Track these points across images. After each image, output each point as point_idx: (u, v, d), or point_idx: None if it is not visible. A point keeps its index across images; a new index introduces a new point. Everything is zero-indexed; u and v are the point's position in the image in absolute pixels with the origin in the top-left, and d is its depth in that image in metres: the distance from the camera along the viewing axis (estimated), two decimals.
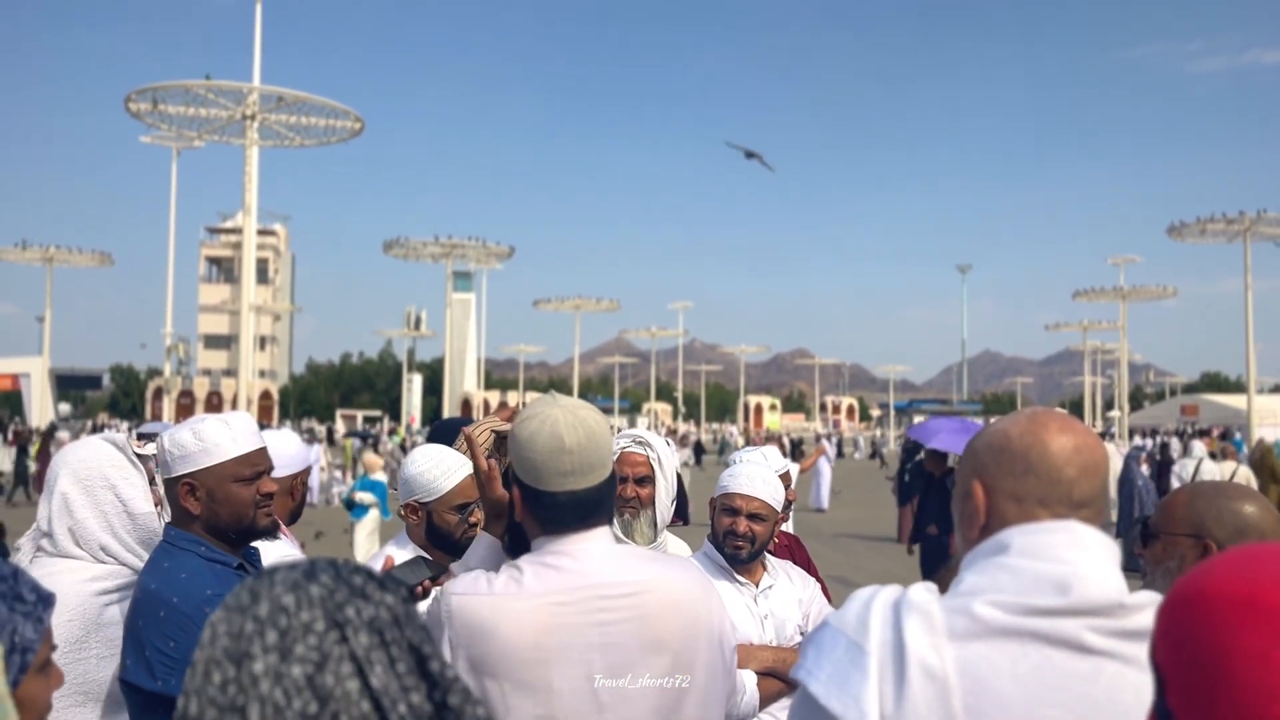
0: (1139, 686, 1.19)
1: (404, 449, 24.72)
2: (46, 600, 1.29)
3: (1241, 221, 38.79)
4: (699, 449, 44.60)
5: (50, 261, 40.42)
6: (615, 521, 2.81)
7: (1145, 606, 1.23)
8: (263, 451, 2.29)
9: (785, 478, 3.51)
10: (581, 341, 60.12)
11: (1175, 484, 13.23)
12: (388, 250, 47.61)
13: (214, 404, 70.30)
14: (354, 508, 12.78)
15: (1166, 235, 41.64)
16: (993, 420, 1.46)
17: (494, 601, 1.64)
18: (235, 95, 27.68)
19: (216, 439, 2.20)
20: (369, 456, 14.24)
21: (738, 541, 2.78)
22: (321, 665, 0.94)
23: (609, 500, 1.76)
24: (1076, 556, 1.26)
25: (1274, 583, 0.83)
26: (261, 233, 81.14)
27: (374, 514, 12.88)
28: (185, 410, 62.81)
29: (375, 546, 12.08)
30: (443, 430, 3.19)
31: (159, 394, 58.52)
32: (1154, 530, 1.91)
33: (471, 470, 2.64)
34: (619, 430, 2.89)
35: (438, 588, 2.48)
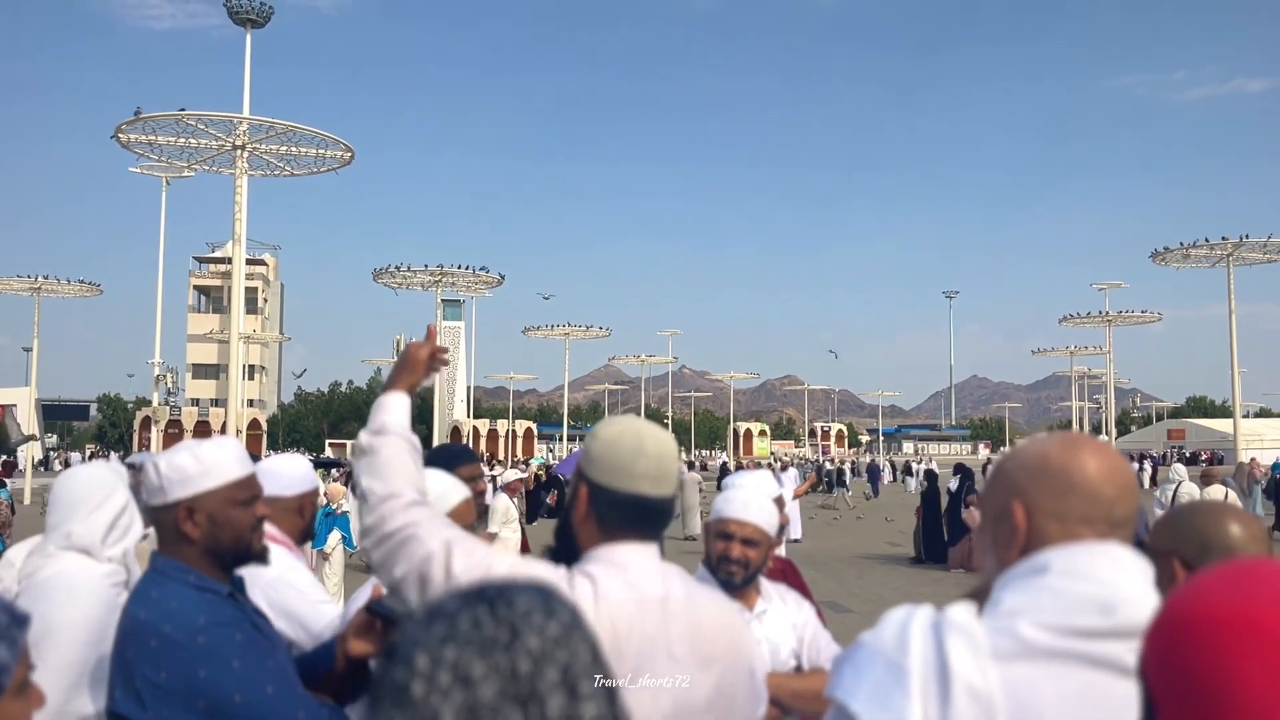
0: None
1: None
2: (20, 621, 1.27)
3: (1224, 246, 39.14)
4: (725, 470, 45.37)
5: (38, 292, 40.27)
6: None
7: None
8: (255, 477, 2.29)
9: (778, 502, 3.51)
10: (571, 369, 60.11)
11: (1156, 509, 13.26)
12: (377, 278, 47.64)
13: (202, 433, 69.97)
14: (314, 537, 12.70)
15: (1151, 260, 41.98)
16: (1019, 443, 1.46)
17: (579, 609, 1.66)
18: (225, 125, 27.77)
19: (216, 461, 2.20)
20: (332, 486, 14.07)
21: (731, 566, 2.78)
22: (596, 696, 0.86)
23: (668, 518, 1.81)
24: (1118, 577, 1.25)
25: (1272, 603, 0.80)
26: (251, 262, 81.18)
27: (339, 560, 12.73)
28: (173, 439, 62.44)
29: (341, 598, 11.93)
30: (435, 458, 3.20)
31: (147, 424, 58.18)
32: (1147, 550, 1.95)
33: (467, 494, 2.66)
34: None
35: None
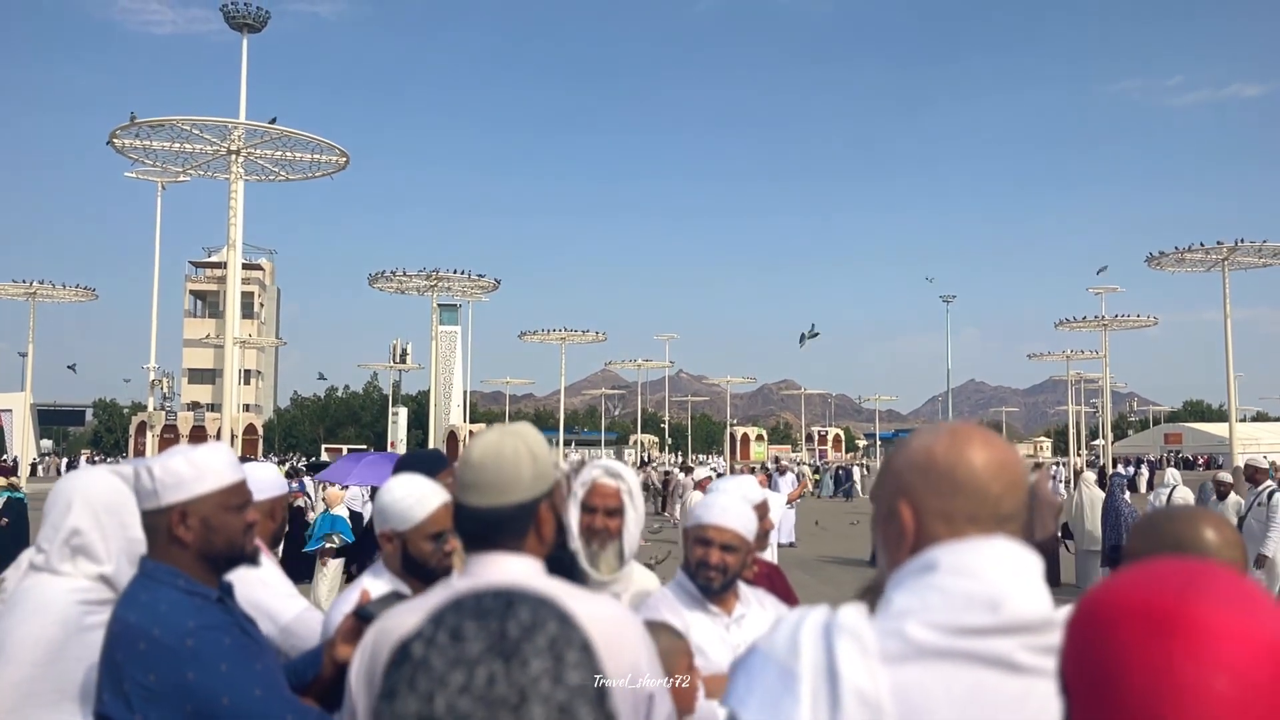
0: None
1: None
2: None
3: (1220, 251, 39.17)
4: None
5: (33, 297, 40.26)
6: (582, 551, 2.85)
7: None
8: (246, 482, 2.32)
9: (763, 507, 3.53)
10: (568, 373, 60.04)
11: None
12: (373, 283, 47.61)
13: (198, 438, 69.72)
14: (312, 539, 12.73)
15: (1146, 265, 42.01)
16: (910, 437, 1.43)
17: (399, 621, 1.70)
18: (219, 130, 27.75)
19: (210, 466, 2.23)
20: (331, 491, 14.05)
21: (710, 572, 2.80)
22: (580, 668, 0.92)
23: (513, 526, 1.74)
24: (1005, 573, 1.23)
25: (1175, 591, 0.82)
26: (247, 266, 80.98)
27: (335, 566, 12.72)
28: (169, 444, 61.93)
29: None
30: (411, 462, 3.25)
31: (142, 429, 58.03)
32: (1124, 554, 1.97)
33: (446, 499, 2.68)
34: (585, 459, 2.96)
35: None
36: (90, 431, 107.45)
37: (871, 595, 1.33)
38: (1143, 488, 42.92)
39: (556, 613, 0.95)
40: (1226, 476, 12.33)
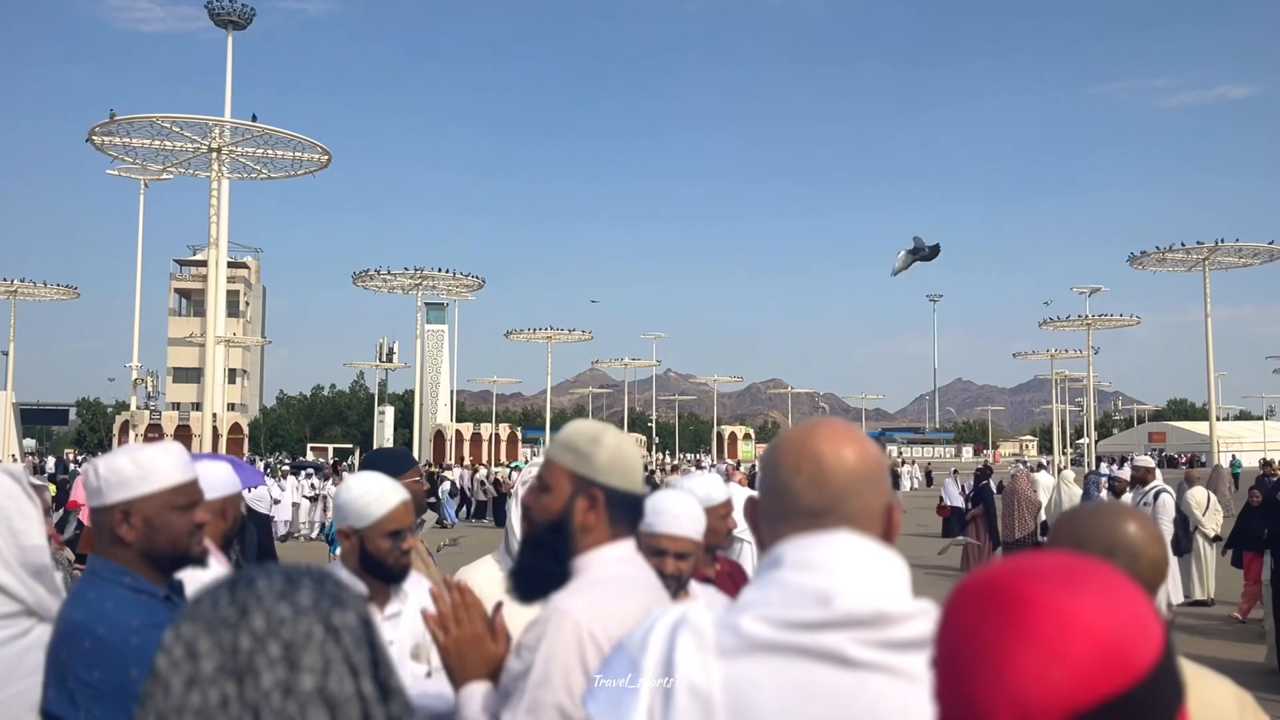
0: (905, 699, 1.17)
1: None
2: None
3: (1200, 251, 39.43)
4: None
5: (14, 295, 40.06)
6: None
7: (913, 616, 1.21)
8: (196, 482, 2.32)
9: (727, 507, 3.52)
10: (554, 373, 60.01)
11: None
12: (357, 282, 47.52)
13: (183, 437, 69.37)
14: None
15: (1128, 264, 42.27)
16: None
17: (620, 608, 1.75)
18: (201, 128, 27.63)
19: (156, 466, 2.22)
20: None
21: (666, 581, 2.77)
22: (326, 673, 0.94)
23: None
24: (842, 567, 1.23)
25: (1013, 571, 0.85)
26: (232, 265, 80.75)
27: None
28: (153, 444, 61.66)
29: None
30: (377, 459, 3.27)
31: (126, 428, 57.73)
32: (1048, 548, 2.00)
33: (405, 497, 2.70)
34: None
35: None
36: (74, 431, 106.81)
37: None
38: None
39: (287, 612, 0.95)
40: (1124, 473, 12.46)
